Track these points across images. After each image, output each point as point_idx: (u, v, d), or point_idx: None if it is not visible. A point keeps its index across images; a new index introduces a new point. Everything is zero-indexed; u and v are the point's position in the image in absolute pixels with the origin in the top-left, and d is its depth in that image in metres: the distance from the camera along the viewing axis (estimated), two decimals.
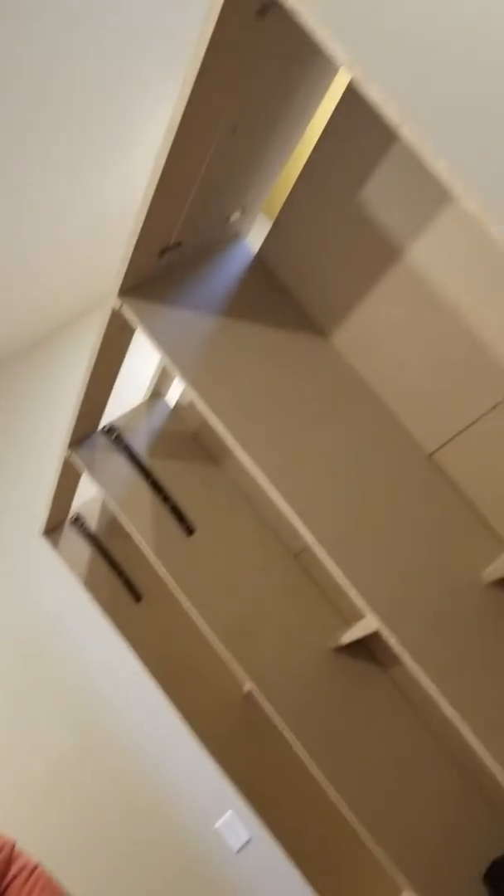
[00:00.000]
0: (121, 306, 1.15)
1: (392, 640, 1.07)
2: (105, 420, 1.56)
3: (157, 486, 1.51)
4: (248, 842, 2.53)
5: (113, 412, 1.58)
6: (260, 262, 1.28)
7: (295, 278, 1.25)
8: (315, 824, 1.78)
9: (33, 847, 2.17)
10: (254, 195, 1.20)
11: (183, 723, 1.83)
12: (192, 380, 1.13)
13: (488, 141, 0.67)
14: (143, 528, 1.49)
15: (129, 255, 1.08)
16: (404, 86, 0.66)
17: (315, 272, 1.22)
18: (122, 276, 1.12)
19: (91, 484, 1.56)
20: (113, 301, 1.16)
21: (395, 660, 1.46)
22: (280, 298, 1.27)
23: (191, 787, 2.61)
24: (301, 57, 0.91)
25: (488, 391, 1.08)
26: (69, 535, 1.90)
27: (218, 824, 2.56)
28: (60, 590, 2.66)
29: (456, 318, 1.05)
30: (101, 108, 2.10)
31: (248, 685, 1.52)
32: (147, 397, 1.64)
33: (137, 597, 1.86)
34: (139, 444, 1.57)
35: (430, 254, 1.03)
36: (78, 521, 1.87)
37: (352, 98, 0.99)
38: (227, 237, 1.28)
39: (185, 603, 1.49)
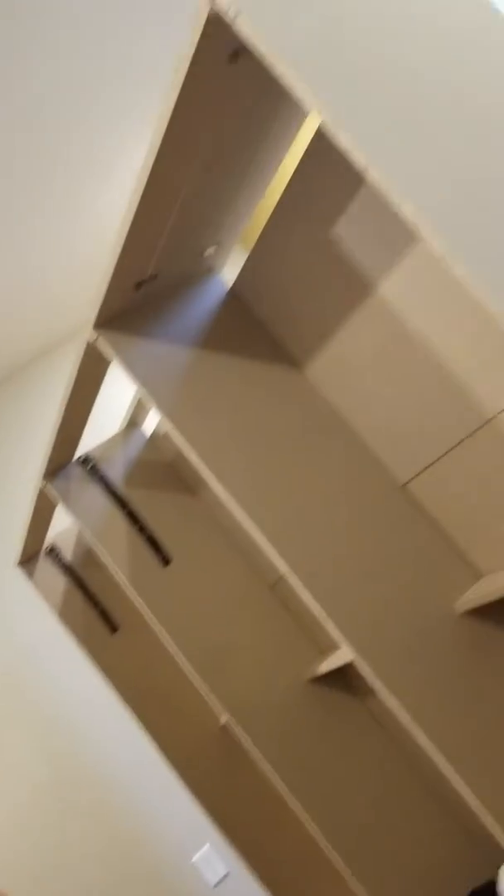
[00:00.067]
0: (96, 339, 1.16)
1: (366, 671, 1.07)
2: (81, 450, 1.57)
3: (133, 516, 1.51)
4: (225, 876, 2.50)
5: (89, 442, 1.59)
6: (234, 296, 1.30)
7: (269, 312, 1.27)
8: (293, 857, 1.76)
9: (4, 878, 2.13)
10: (228, 231, 1.22)
11: (159, 754, 1.82)
12: (167, 411, 1.14)
13: (453, 185, 0.69)
14: (118, 558, 1.49)
15: (105, 287, 1.09)
16: (372, 132, 0.68)
17: (289, 306, 1.24)
18: (98, 308, 1.13)
19: (67, 514, 1.56)
20: (88, 333, 1.17)
21: (371, 690, 1.46)
22: (254, 331, 1.28)
23: (167, 820, 2.57)
24: (273, 99, 0.93)
25: (459, 423, 1.09)
26: (44, 565, 1.89)
27: (195, 858, 2.52)
28: (36, 620, 2.62)
29: (426, 352, 1.07)
30: (75, 143, 2.12)
31: (225, 716, 1.51)
32: (123, 427, 1.64)
33: (113, 628, 1.85)
34: (115, 474, 1.57)
35: (400, 289, 1.05)
36: (53, 552, 1.86)
37: (323, 138, 1.01)
38: (202, 271, 1.29)
39: (161, 633, 1.48)
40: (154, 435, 1.64)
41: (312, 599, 1.08)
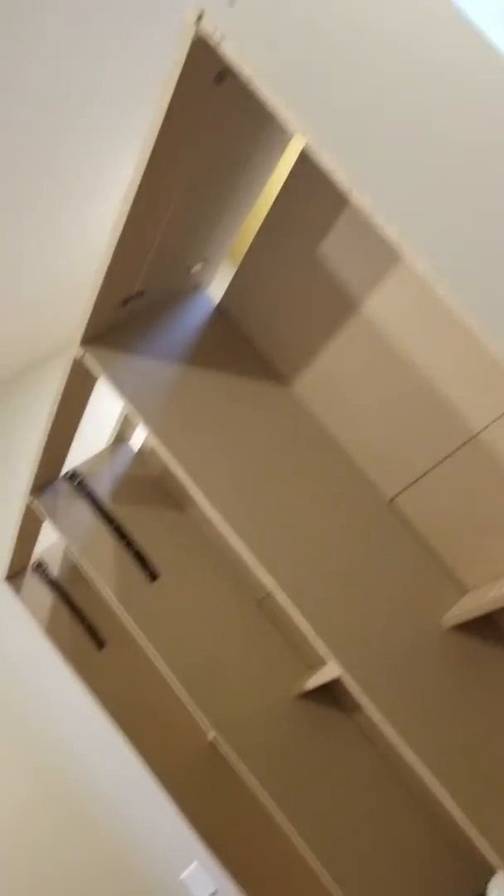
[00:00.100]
0: (83, 355, 1.16)
1: (353, 687, 1.07)
2: (68, 465, 1.56)
3: (120, 532, 1.51)
4: (214, 893, 2.48)
5: (77, 456, 1.58)
6: (221, 312, 1.31)
7: (256, 328, 1.28)
8: (281, 874, 1.75)
9: None
10: (215, 248, 1.23)
11: (147, 770, 1.81)
12: (155, 427, 1.14)
13: (436, 207, 0.70)
14: (105, 574, 1.48)
15: (92, 304, 1.09)
16: (355, 154, 0.69)
17: (275, 322, 1.24)
18: (85, 325, 1.13)
19: (54, 530, 1.55)
20: (75, 350, 1.17)
21: (358, 705, 1.46)
22: (242, 347, 1.29)
23: (155, 837, 2.55)
24: (259, 119, 0.94)
25: (445, 438, 1.10)
26: (31, 581, 1.88)
27: (183, 875, 2.51)
28: (23, 635, 2.61)
29: (412, 368, 1.08)
30: (61, 158, 2.13)
31: (212, 732, 1.51)
32: (111, 443, 1.64)
33: (100, 644, 1.84)
34: (102, 489, 1.57)
35: (386, 306, 1.06)
36: (40, 567, 1.85)
37: (308, 158, 1.02)
38: (189, 287, 1.30)
39: (148, 649, 1.48)
40: (141, 450, 1.64)
41: (300, 616, 1.08)
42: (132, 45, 1.84)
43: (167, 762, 1.83)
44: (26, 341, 3.12)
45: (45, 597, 1.87)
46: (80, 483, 1.55)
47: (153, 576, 1.50)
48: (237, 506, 1.14)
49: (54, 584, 1.85)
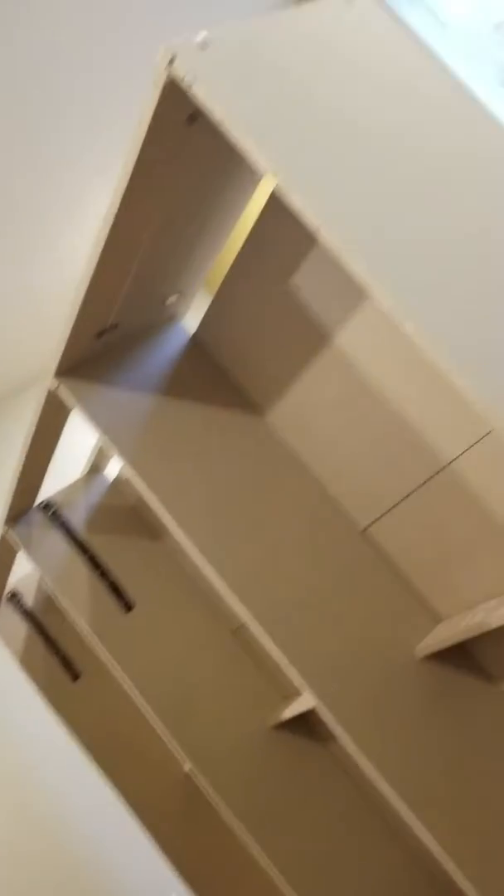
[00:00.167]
0: (57, 387, 1.16)
1: (328, 718, 1.07)
2: (43, 495, 1.56)
3: (94, 563, 1.50)
4: None
5: (51, 486, 1.58)
6: (196, 343, 1.32)
7: (230, 359, 1.29)
8: None
9: None
10: (190, 280, 1.24)
11: (122, 803, 1.78)
12: (129, 458, 1.14)
13: (402, 247, 0.72)
14: (79, 605, 1.47)
15: (66, 337, 1.10)
16: (322, 195, 0.70)
17: (250, 353, 1.26)
18: (59, 357, 1.13)
19: (28, 560, 1.54)
20: (49, 381, 1.17)
21: (334, 735, 1.46)
22: (216, 378, 1.30)
23: (131, 870, 2.51)
24: (231, 158, 0.96)
25: (417, 468, 1.11)
26: (5, 611, 1.86)
27: None
28: None
29: (383, 399, 1.09)
30: (37, 188, 2.14)
31: (189, 764, 1.49)
32: (85, 472, 1.64)
33: (75, 675, 1.82)
34: (77, 519, 1.56)
35: (357, 338, 1.08)
36: (15, 598, 1.84)
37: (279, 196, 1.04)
38: (164, 319, 1.31)
39: (123, 680, 1.46)
40: (116, 480, 1.64)
41: (274, 646, 1.08)
42: (107, 79, 1.86)
43: (143, 794, 1.81)
44: (0, 372, 3.11)
45: (20, 627, 1.85)
46: (54, 513, 1.54)
47: (128, 606, 1.49)
48: (211, 536, 1.14)
49: (29, 615, 1.84)
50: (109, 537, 1.56)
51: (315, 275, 1.07)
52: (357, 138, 0.77)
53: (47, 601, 1.85)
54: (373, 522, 1.22)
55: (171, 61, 0.73)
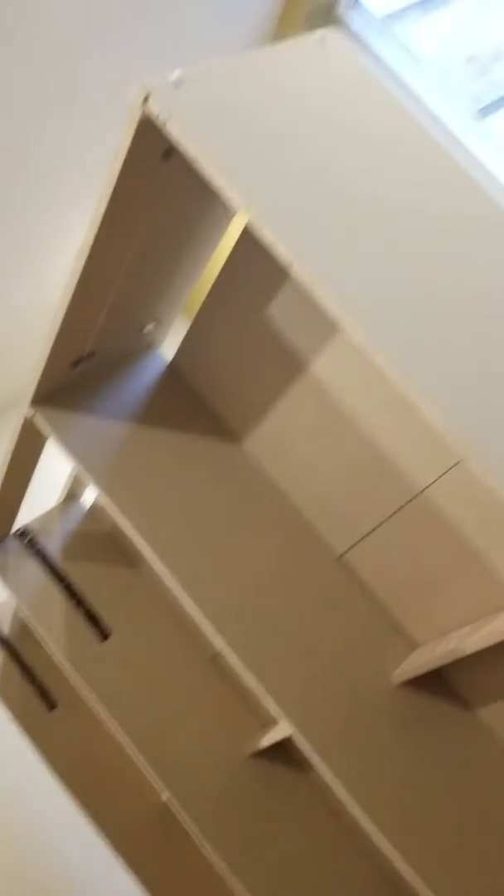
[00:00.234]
0: (33, 415, 1.17)
1: (304, 746, 1.07)
2: (19, 522, 1.55)
3: (70, 591, 1.49)
4: None
5: (28, 513, 1.57)
6: (174, 370, 1.33)
7: (208, 386, 1.30)
8: None
9: None
10: (167, 308, 1.25)
11: (98, 834, 1.76)
12: (104, 487, 1.14)
13: (373, 283, 0.73)
14: (55, 633, 1.46)
15: (42, 365, 1.10)
16: (294, 231, 0.72)
17: (226, 381, 1.27)
18: (35, 385, 1.14)
19: (3, 588, 1.53)
20: (25, 410, 1.17)
21: (311, 763, 1.45)
22: (193, 405, 1.31)
23: None
24: (206, 191, 0.97)
25: (391, 495, 1.13)
26: None
27: None
28: None
29: (358, 427, 1.11)
30: (13, 215, 2.15)
31: (166, 793, 1.48)
32: (62, 499, 1.63)
33: (51, 704, 1.80)
34: (54, 546, 1.56)
35: (331, 367, 1.09)
36: None
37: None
38: (141, 347, 1.32)
39: (99, 710, 1.45)
40: (93, 507, 1.64)
41: (249, 675, 1.08)
42: (84, 107, 1.88)
43: (119, 823, 1.79)
44: None
45: None
46: (30, 541, 1.53)
47: (104, 635, 1.49)
48: (186, 563, 1.14)
49: (5, 643, 1.82)
50: (86, 564, 1.55)
51: (290, 304, 1.09)
52: (327, 176, 0.79)
53: (23, 629, 1.83)
54: (348, 549, 1.23)
55: (146, 99, 0.75)
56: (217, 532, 1.19)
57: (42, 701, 1.80)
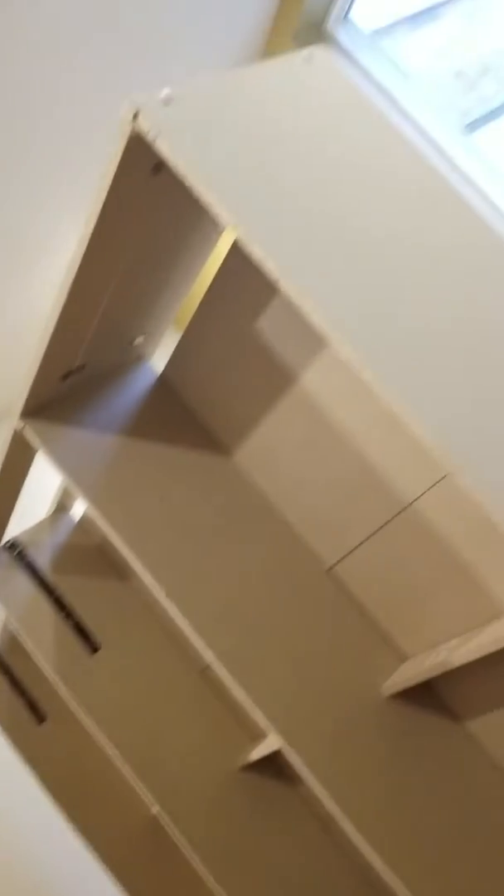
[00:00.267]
0: (23, 428, 1.17)
1: (294, 759, 1.07)
2: (8, 535, 1.55)
3: (60, 604, 1.49)
4: None
5: (17, 526, 1.57)
6: (164, 383, 1.33)
7: (198, 399, 1.30)
8: None
9: None
10: (157, 322, 1.26)
11: (88, 847, 1.75)
12: (94, 500, 1.14)
13: (359, 298, 0.74)
14: (44, 646, 1.46)
15: (32, 379, 1.10)
16: (282, 247, 0.73)
17: (216, 394, 1.27)
18: (25, 398, 1.14)
19: None
20: (15, 422, 1.17)
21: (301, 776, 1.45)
22: (183, 418, 1.31)
23: None
24: (195, 205, 0.98)
25: (380, 507, 1.13)
26: None
27: None
28: None
29: (347, 440, 1.11)
30: (5, 232, 2.16)
31: (156, 807, 1.47)
32: (52, 511, 1.63)
33: (41, 717, 1.79)
34: (43, 559, 1.55)
35: (320, 381, 1.10)
36: None
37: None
38: (131, 359, 1.32)
39: (88, 723, 1.45)
40: (83, 519, 1.63)
41: (239, 688, 1.08)
42: (75, 121, 1.89)
43: (109, 837, 1.78)
44: None
45: None
46: (19, 553, 1.53)
47: (94, 648, 1.48)
48: (176, 576, 1.14)
49: None
50: (76, 577, 1.55)
51: (279, 318, 1.09)
52: (315, 193, 0.80)
53: (13, 641, 1.82)
54: (338, 561, 1.23)
55: (136, 116, 0.75)
56: (206, 545, 1.19)
57: (31, 714, 1.80)
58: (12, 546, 1.53)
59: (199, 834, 1.42)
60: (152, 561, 1.14)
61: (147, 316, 1.21)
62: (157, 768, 1.45)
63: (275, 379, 1.16)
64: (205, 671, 1.53)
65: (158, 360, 1.37)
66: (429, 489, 1.03)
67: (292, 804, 1.49)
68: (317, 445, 1.16)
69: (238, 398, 1.24)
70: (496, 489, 0.71)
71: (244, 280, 1.10)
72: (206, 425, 1.31)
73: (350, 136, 0.87)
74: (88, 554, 1.61)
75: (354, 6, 2.03)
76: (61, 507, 1.63)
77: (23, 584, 1.52)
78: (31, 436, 1.15)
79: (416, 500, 1.06)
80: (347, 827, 1.04)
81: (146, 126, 0.75)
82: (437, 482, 1.02)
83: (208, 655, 1.10)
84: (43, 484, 1.76)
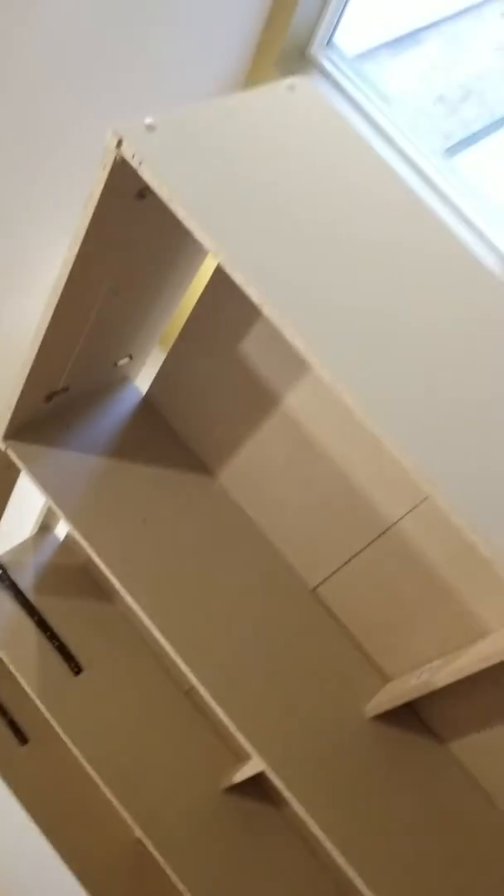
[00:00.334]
0: (6, 448, 1.17)
1: (277, 782, 1.07)
2: None
3: (43, 624, 1.48)
4: None
5: (0, 545, 1.56)
6: (148, 403, 1.33)
7: (182, 420, 1.31)
8: None
9: None
10: (141, 343, 1.26)
11: (70, 871, 1.73)
12: (76, 523, 1.14)
13: (341, 324, 0.75)
14: (27, 668, 1.45)
15: (15, 400, 1.11)
16: (264, 272, 0.73)
17: (201, 415, 1.27)
18: (8, 419, 1.14)
19: None
20: None
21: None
22: (168, 439, 1.31)
23: None
24: (179, 229, 0.99)
25: (363, 528, 1.14)
26: None
27: None
28: None
29: (330, 461, 1.12)
30: None
31: (139, 830, 1.46)
32: (35, 531, 1.63)
33: (24, 739, 1.78)
34: (26, 580, 1.54)
35: (303, 402, 1.11)
36: None
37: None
38: (116, 380, 1.33)
39: (72, 746, 1.44)
40: (67, 539, 1.63)
41: (222, 711, 1.08)
42: (59, 149, 1.91)
43: (91, 861, 1.76)
44: None
45: None
46: (2, 573, 1.52)
47: (77, 669, 1.47)
48: (159, 598, 1.14)
49: None
50: (59, 598, 1.54)
51: (263, 340, 1.10)
52: (298, 219, 0.81)
53: None
54: (322, 582, 1.23)
55: (119, 143, 0.76)
56: (190, 566, 1.19)
57: (14, 735, 1.78)
58: None
59: (183, 858, 1.41)
60: (135, 583, 1.13)
61: (132, 338, 1.22)
62: (139, 791, 1.44)
63: (259, 400, 1.16)
64: (189, 692, 1.52)
65: (143, 380, 1.38)
66: (411, 510, 1.04)
67: (277, 826, 1.48)
68: (300, 467, 1.17)
69: (222, 419, 1.25)
70: (474, 511, 0.71)
71: (229, 302, 1.11)
72: (190, 446, 1.32)
73: (332, 163, 0.88)
74: (72, 574, 1.60)
75: (338, 31, 2.06)
76: (45, 526, 1.62)
77: (6, 605, 1.51)
78: (15, 456, 1.15)
79: (398, 521, 1.07)
80: (331, 849, 1.04)
81: (130, 153, 0.76)
82: (419, 504, 1.03)
83: (191, 677, 1.10)
84: (27, 503, 1.76)
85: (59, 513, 1.14)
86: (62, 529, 1.64)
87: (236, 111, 0.86)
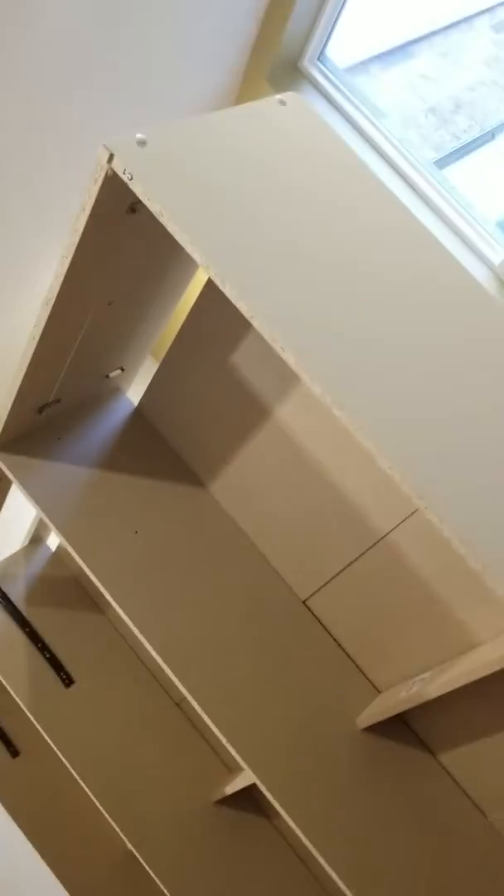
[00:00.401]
0: None
1: (268, 794, 1.06)
2: None
3: (34, 636, 1.48)
4: None
5: None
6: (140, 415, 1.33)
7: (173, 431, 1.31)
8: None
9: None
10: (133, 355, 1.27)
11: (61, 883, 1.72)
12: (67, 535, 1.14)
13: (331, 338, 0.75)
14: (18, 680, 1.44)
15: (6, 412, 1.11)
16: (255, 286, 0.74)
17: (192, 426, 1.28)
18: None
19: None
20: None
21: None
22: (159, 450, 1.31)
23: None
24: (171, 242, 0.99)
25: (354, 540, 1.14)
26: None
27: None
28: None
29: (320, 473, 1.12)
30: None
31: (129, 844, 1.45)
32: (27, 543, 1.62)
33: (15, 752, 1.77)
34: (18, 591, 1.54)
35: (294, 414, 1.11)
36: None
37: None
38: (107, 392, 1.33)
39: (63, 758, 1.43)
40: (58, 550, 1.63)
41: (212, 723, 1.07)
42: (51, 162, 1.91)
43: (83, 873, 1.75)
44: None
45: None
46: None
47: (68, 681, 1.47)
48: (150, 611, 1.14)
49: None
50: (51, 610, 1.54)
51: (254, 352, 1.11)
52: (288, 234, 0.81)
53: None
54: (313, 594, 1.23)
55: (111, 159, 0.77)
56: (181, 577, 1.19)
57: (5, 748, 1.77)
58: None
59: (174, 870, 1.40)
60: (126, 595, 1.13)
61: (123, 350, 1.22)
62: (130, 803, 1.44)
63: (250, 412, 1.17)
64: (181, 703, 1.52)
65: (135, 392, 1.38)
66: (401, 522, 1.04)
67: (269, 837, 1.47)
68: (291, 478, 1.17)
69: (214, 431, 1.25)
70: (464, 524, 0.72)
71: (220, 314, 1.11)
72: (181, 458, 1.32)
73: (323, 179, 0.89)
74: (64, 586, 1.60)
75: (329, 44, 2.08)
76: (37, 538, 1.62)
77: None
78: (6, 468, 1.15)
79: (388, 533, 1.07)
80: (321, 860, 1.03)
81: (121, 167, 0.77)
82: (409, 516, 1.03)
83: (182, 689, 1.09)
84: (18, 515, 1.75)
85: (50, 525, 1.13)
86: (54, 541, 1.64)
87: (227, 126, 0.86)
